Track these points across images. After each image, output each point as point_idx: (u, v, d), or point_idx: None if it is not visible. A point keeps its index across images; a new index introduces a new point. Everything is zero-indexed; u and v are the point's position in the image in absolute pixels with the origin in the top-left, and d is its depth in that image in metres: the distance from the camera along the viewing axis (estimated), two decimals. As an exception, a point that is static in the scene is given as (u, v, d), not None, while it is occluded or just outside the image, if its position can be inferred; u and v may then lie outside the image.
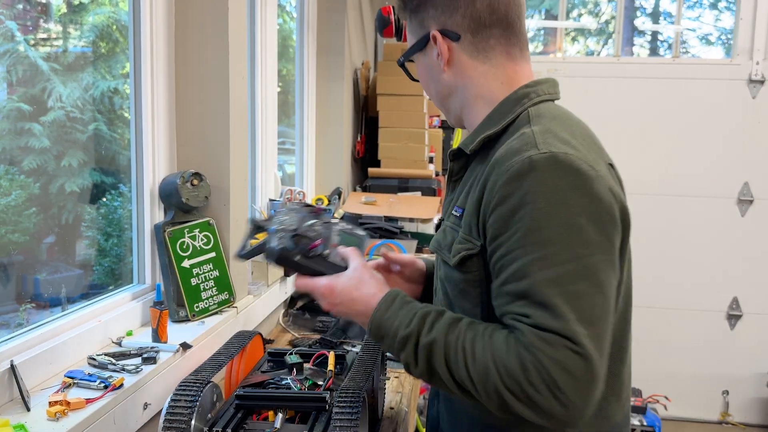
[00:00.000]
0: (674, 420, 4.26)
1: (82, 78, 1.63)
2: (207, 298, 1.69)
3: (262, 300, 1.97)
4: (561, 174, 0.92)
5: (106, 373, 1.27)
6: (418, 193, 3.28)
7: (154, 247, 1.68)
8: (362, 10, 3.66)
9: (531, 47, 4.74)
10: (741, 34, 4.05)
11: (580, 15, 4.69)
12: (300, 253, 1.07)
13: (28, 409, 1.11)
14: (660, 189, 4.20)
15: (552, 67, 4.23)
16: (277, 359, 1.47)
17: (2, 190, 1.41)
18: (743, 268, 4.18)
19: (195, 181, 1.66)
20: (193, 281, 1.66)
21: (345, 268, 1.11)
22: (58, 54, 1.60)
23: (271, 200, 2.45)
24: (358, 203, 3.12)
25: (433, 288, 1.20)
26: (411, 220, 3.05)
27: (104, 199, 1.74)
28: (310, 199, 3.02)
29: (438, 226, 1.21)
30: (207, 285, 1.70)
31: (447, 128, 3.75)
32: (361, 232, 1.18)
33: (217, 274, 1.73)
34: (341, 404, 1.15)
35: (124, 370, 1.30)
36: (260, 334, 1.59)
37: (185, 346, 1.46)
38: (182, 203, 1.64)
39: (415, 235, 3.02)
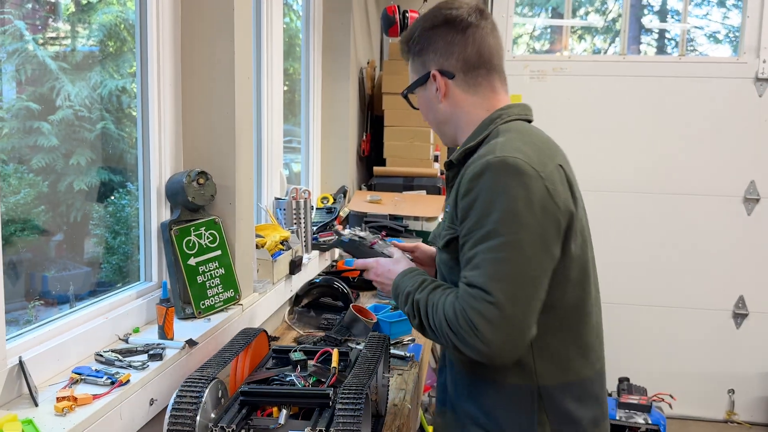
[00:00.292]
0: (679, 418, 4.25)
1: (90, 77, 1.65)
2: (213, 296, 1.71)
3: (267, 298, 1.98)
4: (507, 173, 1.18)
5: (113, 370, 1.28)
6: (423, 192, 3.29)
7: (160, 245, 1.69)
8: (368, 10, 3.67)
9: (537, 45, 4.74)
10: (748, 32, 4.03)
11: (587, 13, 4.68)
12: (367, 246, 1.61)
13: (36, 405, 1.13)
14: (666, 187, 4.19)
15: (557, 65, 4.23)
16: (281, 356, 1.48)
17: (11, 188, 1.42)
18: (749, 266, 4.16)
19: (201, 180, 1.68)
20: (199, 279, 1.68)
21: (390, 257, 1.53)
22: (66, 53, 1.61)
23: (276, 199, 2.46)
24: (363, 202, 3.13)
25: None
26: (416, 218, 3.06)
27: (112, 198, 1.75)
28: (315, 198, 3.03)
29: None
30: (213, 283, 1.71)
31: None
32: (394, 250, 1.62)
33: (223, 272, 1.74)
34: (344, 401, 1.16)
35: (130, 366, 1.31)
36: (265, 332, 1.61)
37: (191, 343, 1.47)
38: (188, 202, 1.66)
39: (420, 234, 3.03)
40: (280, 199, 2.44)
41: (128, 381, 1.25)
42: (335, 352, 1.42)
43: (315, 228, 2.63)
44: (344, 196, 3.14)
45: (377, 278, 1.46)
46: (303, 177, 3.17)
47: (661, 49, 4.66)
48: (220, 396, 1.27)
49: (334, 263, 2.77)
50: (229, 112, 1.72)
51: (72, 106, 1.56)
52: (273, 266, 2.04)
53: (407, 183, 3.32)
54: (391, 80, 3.42)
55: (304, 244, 2.38)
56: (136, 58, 1.67)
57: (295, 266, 2.21)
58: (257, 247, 2.02)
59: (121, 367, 1.31)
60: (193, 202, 1.66)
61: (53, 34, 1.59)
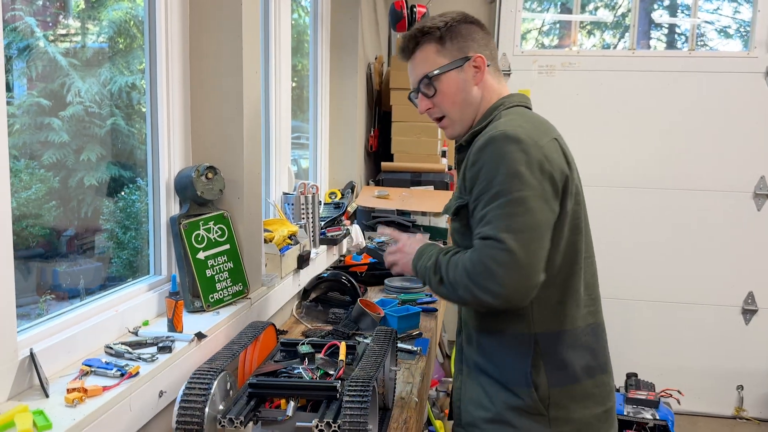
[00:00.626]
0: (688, 414, 4.24)
1: (100, 73, 1.66)
2: (221, 290, 1.72)
3: (275, 292, 1.99)
4: (507, 142, 1.34)
5: (123, 362, 1.30)
6: (431, 187, 3.30)
7: (169, 239, 1.71)
8: (375, 5, 3.67)
9: (546, 40, 4.72)
10: (758, 26, 4.01)
11: (596, 8, 4.66)
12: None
13: (47, 396, 1.14)
14: (675, 183, 4.18)
15: (566, 60, 4.21)
16: (289, 349, 1.50)
17: (23, 183, 1.43)
18: (759, 262, 4.14)
19: (209, 175, 1.69)
20: (208, 273, 1.69)
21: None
22: (76, 49, 1.62)
23: (284, 194, 2.47)
24: (371, 197, 3.13)
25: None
26: (423, 213, 3.07)
27: (122, 193, 1.76)
28: (323, 193, 3.04)
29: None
30: (221, 276, 1.73)
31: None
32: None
33: (232, 265, 1.75)
34: (351, 393, 1.17)
35: (140, 358, 1.32)
36: (273, 325, 1.62)
37: (200, 336, 1.49)
38: (197, 196, 1.67)
39: (427, 229, 3.04)
40: (288, 194, 2.45)
41: (138, 373, 1.26)
42: (342, 346, 1.43)
43: (323, 223, 2.64)
44: (352, 192, 3.15)
45: (403, 248, 1.55)
46: (311, 172, 3.18)
47: (671, 44, 4.63)
48: (228, 388, 1.28)
49: (342, 258, 2.78)
50: (237, 107, 1.73)
51: (82, 102, 1.57)
52: (281, 261, 2.05)
53: (415, 178, 3.32)
54: (399, 76, 3.42)
55: (312, 238, 2.39)
56: (144, 54, 1.68)
57: (303, 261, 2.22)
58: (265, 241, 2.03)
59: (131, 359, 1.32)
60: (202, 196, 1.67)
61: (63, 31, 1.60)
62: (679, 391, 3.69)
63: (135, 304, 1.55)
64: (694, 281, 4.21)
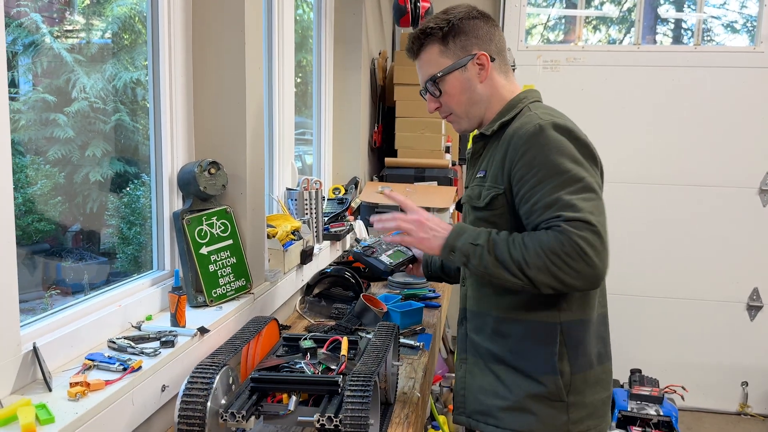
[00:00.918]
0: (692, 410, 4.24)
1: (105, 69, 1.66)
2: (224, 285, 1.72)
3: (278, 287, 2.00)
4: (560, 132, 1.39)
5: (125, 356, 1.30)
6: (435, 183, 3.29)
7: (173, 234, 1.72)
8: (379, 0, 3.66)
9: (552, 36, 4.71)
10: (765, 21, 3.98)
11: (602, 3, 4.64)
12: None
13: (50, 390, 1.15)
14: (680, 179, 4.16)
15: (571, 55, 4.20)
16: (291, 344, 1.50)
17: (29, 179, 1.44)
18: (764, 258, 4.13)
19: (212, 170, 1.69)
20: (211, 268, 1.70)
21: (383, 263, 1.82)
22: (81, 45, 1.63)
23: (288, 189, 2.48)
24: (374, 193, 3.14)
25: None
26: (427, 209, 3.06)
27: (127, 189, 1.77)
28: (327, 189, 3.05)
29: (459, 203, 1.71)
30: (224, 272, 1.73)
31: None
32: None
33: (235, 261, 1.76)
34: (353, 388, 1.18)
35: (142, 353, 1.33)
36: (276, 320, 1.62)
37: (203, 331, 1.49)
38: (200, 191, 1.67)
39: (431, 224, 3.03)
40: (292, 189, 2.45)
41: (140, 367, 1.26)
42: (345, 341, 1.44)
43: (326, 218, 2.65)
44: (356, 187, 3.15)
45: (425, 222, 1.49)
46: (315, 168, 3.18)
47: (677, 39, 4.61)
48: (230, 382, 1.28)
49: (346, 253, 2.79)
50: (239, 102, 1.73)
51: (87, 98, 1.58)
52: (284, 256, 2.06)
53: (418, 174, 3.32)
54: (402, 71, 3.42)
55: (315, 234, 2.40)
56: (147, 49, 1.69)
57: (306, 256, 2.23)
58: (268, 236, 2.04)
59: (134, 353, 1.33)
60: (205, 191, 1.68)
61: (69, 27, 1.61)
62: (683, 387, 3.69)
63: (138, 299, 1.56)
64: (698, 277, 4.20)
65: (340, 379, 1.26)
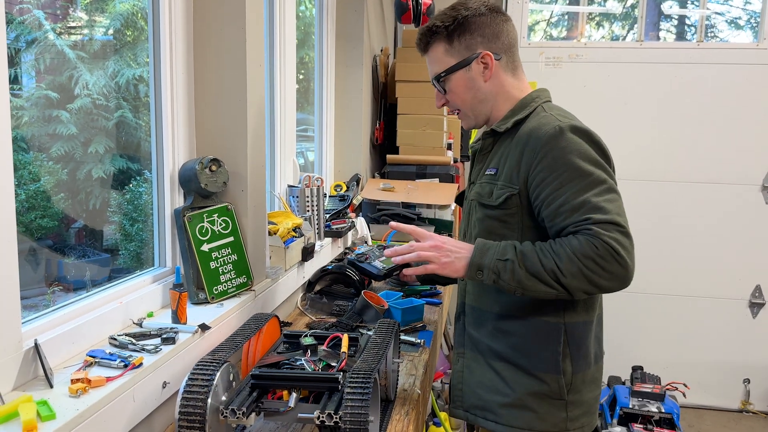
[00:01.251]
0: (694, 408, 4.24)
1: (107, 66, 1.67)
2: (226, 281, 1.73)
3: (279, 284, 2.00)
4: (579, 135, 1.40)
5: (127, 353, 1.31)
6: (436, 180, 3.29)
7: (174, 231, 1.72)
8: (382, -3, 3.66)
9: (555, 32, 4.70)
10: (768, 17, 3.97)
11: (604, -1, 4.63)
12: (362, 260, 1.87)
13: (51, 386, 1.15)
14: (683, 175, 4.16)
15: (573, 52, 4.19)
16: (292, 341, 1.50)
17: (31, 176, 1.44)
18: (767, 255, 4.12)
19: (213, 167, 1.69)
20: (212, 265, 1.70)
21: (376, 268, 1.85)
22: (84, 42, 1.63)
23: (289, 186, 2.48)
24: (376, 190, 3.14)
25: (461, 234, 1.66)
26: (429, 206, 3.06)
27: (130, 185, 1.77)
28: (328, 186, 3.05)
29: (460, 197, 1.74)
30: (226, 269, 1.73)
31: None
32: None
33: (236, 258, 1.76)
34: (353, 385, 1.18)
35: (143, 350, 1.34)
36: (277, 317, 1.63)
37: (204, 328, 1.50)
38: (201, 188, 1.68)
39: (432, 221, 3.04)
40: (294, 186, 2.46)
41: (141, 364, 1.27)
42: (345, 337, 1.44)
43: (328, 215, 2.65)
44: (357, 184, 3.15)
45: (443, 245, 1.44)
46: (316, 165, 3.18)
47: (681, 36, 4.59)
48: (231, 379, 1.29)
49: (347, 250, 2.79)
50: (240, 99, 1.73)
51: (90, 94, 1.58)
52: (285, 253, 2.06)
53: (420, 171, 3.32)
54: (404, 68, 3.41)
55: (316, 231, 2.40)
56: (148, 46, 1.69)
57: (307, 253, 2.23)
58: (270, 233, 2.04)
59: (135, 350, 1.33)
60: (206, 188, 1.68)
61: (71, 24, 1.61)
62: (684, 384, 3.69)
63: (140, 296, 1.56)
64: (701, 274, 4.20)
65: (340, 376, 1.26)
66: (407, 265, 1.77)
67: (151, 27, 1.68)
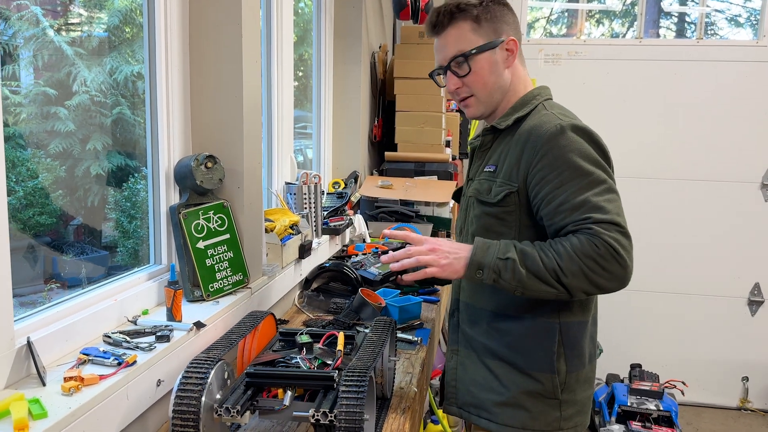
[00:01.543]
0: (692, 405, 4.24)
1: (105, 62, 1.66)
2: (221, 279, 1.72)
3: (276, 281, 1.99)
4: (580, 134, 1.39)
5: (121, 351, 1.30)
6: (435, 177, 3.28)
7: (169, 229, 1.71)
8: (380, -7, 3.64)
9: (554, 29, 4.69)
10: (768, 15, 3.96)
11: (604, -4, 4.62)
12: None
13: (44, 384, 1.14)
14: (682, 173, 4.15)
15: (572, 49, 4.18)
16: (288, 339, 1.50)
17: (30, 173, 1.44)
18: (766, 253, 4.12)
19: (209, 164, 1.69)
20: (208, 262, 1.69)
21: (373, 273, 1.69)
22: (82, 39, 1.62)
23: (287, 183, 2.47)
24: (374, 187, 3.13)
25: (457, 230, 1.66)
26: (427, 203, 3.06)
27: (128, 182, 1.77)
28: (326, 183, 3.04)
29: (457, 193, 1.73)
30: (221, 266, 1.73)
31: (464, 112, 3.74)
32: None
33: (232, 255, 1.76)
34: (348, 383, 1.17)
35: (137, 347, 1.33)
36: (273, 314, 1.62)
37: (199, 325, 1.49)
38: (196, 185, 1.67)
39: (431, 219, 3.03)
40: (291, 183, 2.45)
41: (135, 362, 1.26)
42: (341, 335, 1.43)
43: (326, 212, 2.64)
44: (355, 181, 3.14)
45: (440, 247, 1.41)
46: (314, 162, 3.17)
47: (680, 33, 4.59)
48: (226, 377, 1.28)
49: (345, 248, 2.78)
50: (236, 95, 1.72)
51: (88, 91, 1.57)
52: (282, 250, 2.05)
53: (418, 168, 3.31)
54: (403, 65, 3.40)
55: (314, 228, 2.39)
56: (144, 42, 1.68)
57: (304, 250, 2.22)
58: (267, 231, 2.03)
59: (129, 348, 1.32)
60: (201, 185, 1.67)
61: (70, 20, 1.60)
62: (683, 382, 3.69)
63: (134, 293, 1.55)
64: (700, 272, 4.19)
65: (335, 374, 1.25)
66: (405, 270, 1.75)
67: (146, 22, 1.67)
